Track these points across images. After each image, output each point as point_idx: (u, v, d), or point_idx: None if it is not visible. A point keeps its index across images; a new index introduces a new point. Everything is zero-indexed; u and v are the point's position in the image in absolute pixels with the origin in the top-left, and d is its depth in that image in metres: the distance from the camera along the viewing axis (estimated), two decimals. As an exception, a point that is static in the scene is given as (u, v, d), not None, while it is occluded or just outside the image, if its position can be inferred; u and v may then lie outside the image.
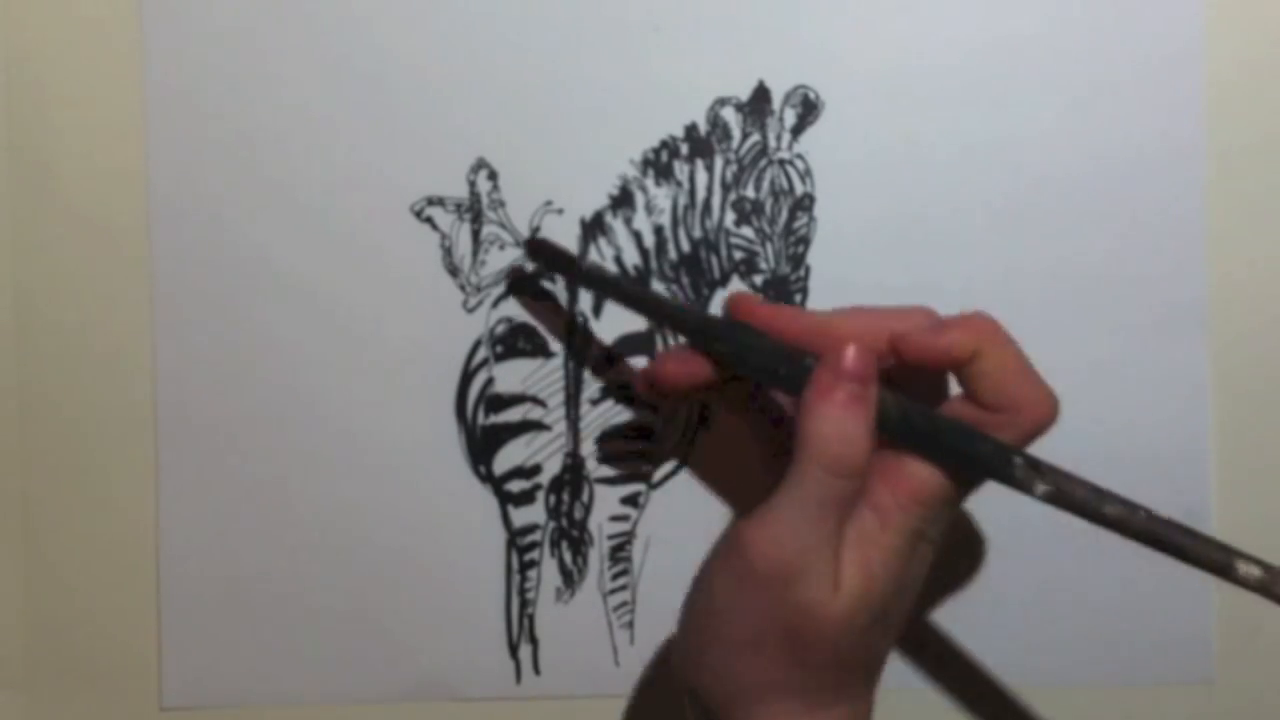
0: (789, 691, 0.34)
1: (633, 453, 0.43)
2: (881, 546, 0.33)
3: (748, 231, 0.42)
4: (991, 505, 0.42)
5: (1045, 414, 0.35)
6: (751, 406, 0.40)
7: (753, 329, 0.36)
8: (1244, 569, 0.32)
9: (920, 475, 0.34)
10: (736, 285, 0.42)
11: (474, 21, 0.42)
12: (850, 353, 0.33)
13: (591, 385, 0.42)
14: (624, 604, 0.42)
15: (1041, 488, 0.33)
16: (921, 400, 0.35)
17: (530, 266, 0.42)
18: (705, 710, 0.35)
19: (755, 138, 0.42)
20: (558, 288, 0.42)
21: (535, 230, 0.42)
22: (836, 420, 0.33)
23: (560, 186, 0.42)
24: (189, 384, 0.42)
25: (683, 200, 0.42)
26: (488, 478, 0.42)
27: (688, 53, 0.42)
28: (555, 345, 0.42)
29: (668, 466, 0.43)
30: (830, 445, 0.33)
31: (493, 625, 0.42)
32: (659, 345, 0.42)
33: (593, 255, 0.42)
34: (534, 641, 0.42)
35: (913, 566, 0.35)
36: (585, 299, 0.42)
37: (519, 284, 0.42)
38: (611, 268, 0.42)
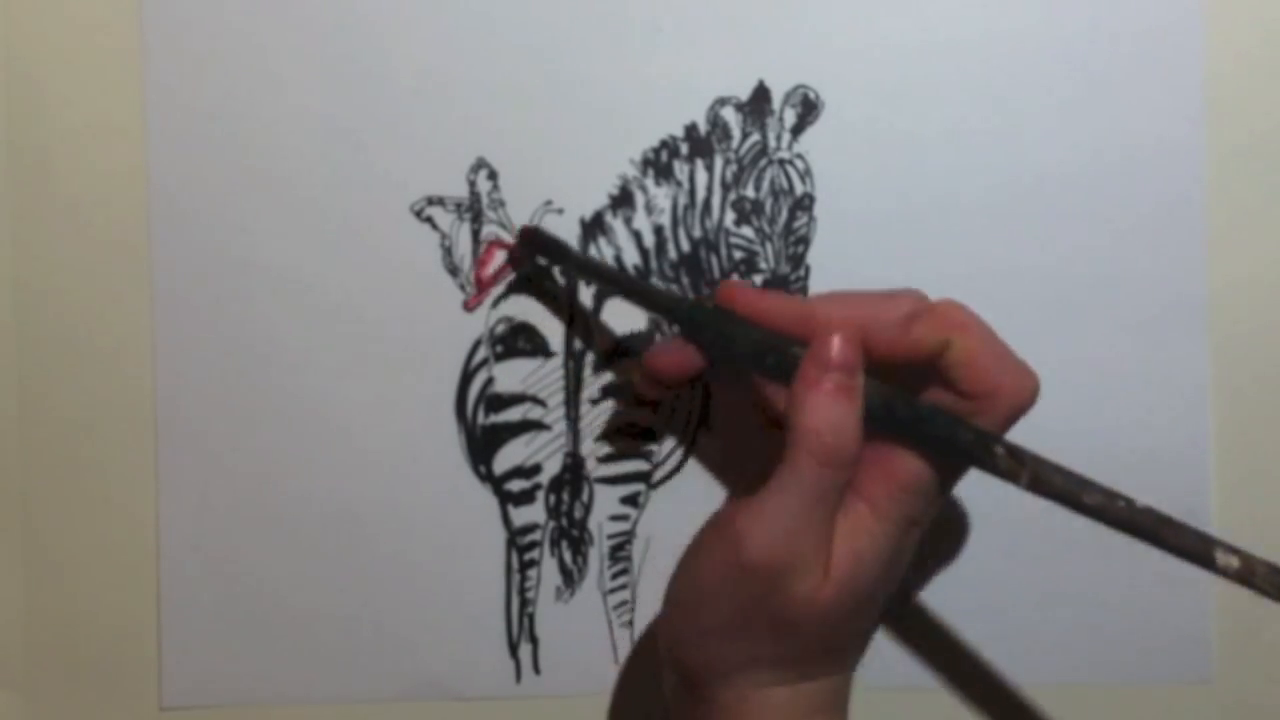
0: (772, 665, 0.34)
1: (633, 453, 0.43)
2: (872, 535, 0.34)
3: (748, 231, 0.42)
4: (992, 504, 0.42)
5: (1022, 398, 0.35)
6: (752, 393, 0.40)
7: (739, 317, 0.36)
8: (1223, 559, 0.32)
9: (909, 464, 0.34)
10: (736, 285, 0.42)
11: (474, 21, 0.42)
12: (836, 343, 0.34)
13: (591, 385, 0.42)
14: (624, 604, 0.42)
15: (1023, 475, 0.33)
16: (907, 386, 0.35)
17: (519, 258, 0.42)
18: (686, 681, 0.35)
19: (755, 138, 0.42)
20: (558, 287, 0.42)
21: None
22: (826, 411, 0.33)
23: (560, 186, 0.42)
24: (189, 384, 0.42)
25: (683, 200, 0.42)
26: (488, 478, 0.42)
27: (688, 53, 0.42)
28: (555, 345, 0.42)
29: (668, 466, 0.43)
30: (821, 437, 0.33)
31: (493, 625, 0.42)
32: (658, 342, 0.42)
33: (592, 254, 0.42)
34: (534, 641, 0.42)
35: (902, 552, 0.35)
36: (586, 298, 0.42)
37: (519, 283, 0.42)
38: (610, 265, 0.42)
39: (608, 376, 0.42)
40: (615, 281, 0.40)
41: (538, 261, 0.42)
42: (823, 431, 0.33)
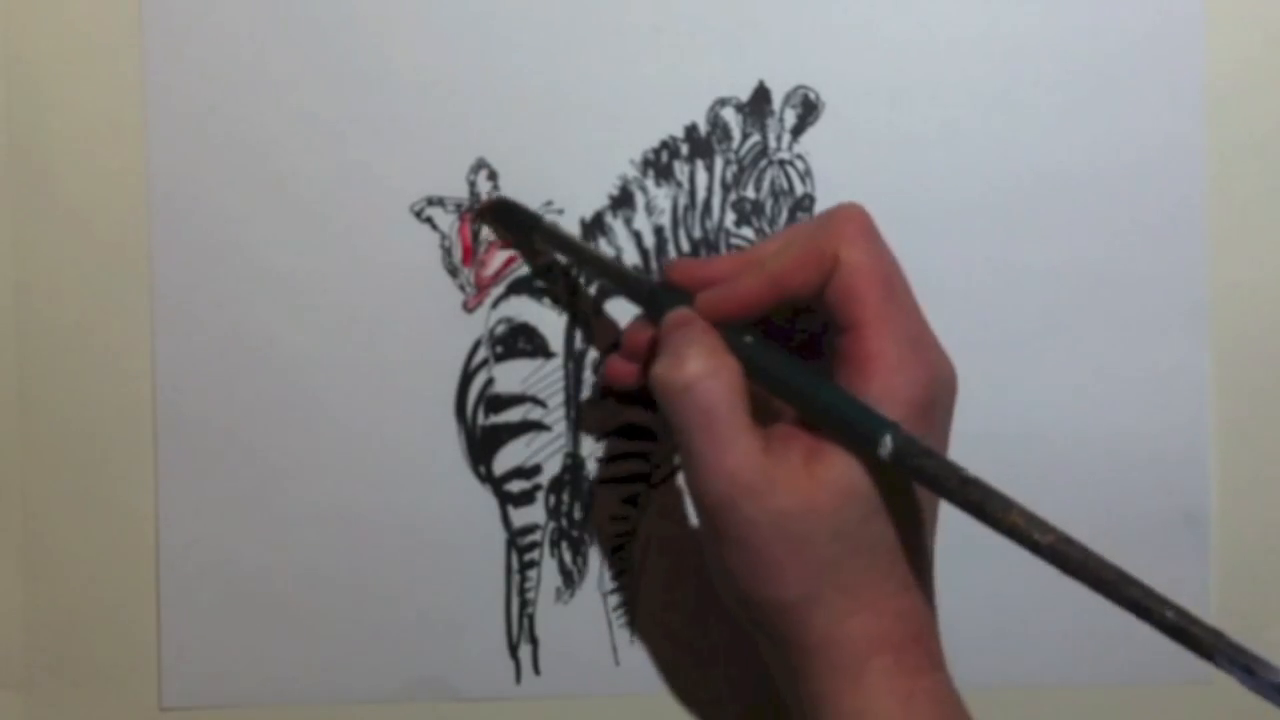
0: (834, 590, 0.33)
1: (633, 453, 0.43)
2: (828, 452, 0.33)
3: (748, 232, 0.42)
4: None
5: (923, 377, 0.33)
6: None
7: (686, 294, 0.36)
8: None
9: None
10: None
11: (474, 21, 0.42)
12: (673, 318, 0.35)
13: (591, 385, 0.42)
14: (624, 604, 0.42)
15: (911, 463, 0.32)
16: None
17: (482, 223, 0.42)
18: (776, 642, 0.34)
19: (755, 138, 0.42)
20: (558, 288, 0.42)
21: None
22: (657, 367, 0.34)
23: (560, 186, 0.42)
24: (189, 384, 0.42)
25: (683, 201, 0.42)
26: (488, 478, 0.42)
27: (688, 53, 0.42)
28: (555, 345, 0.42)
29: (668, 466, 0.43)
30: (658, 379, 0.34)
31: (493, 625, 0.42)
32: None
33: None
34: (534, 641, 0.42)
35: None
36: (586, 299, 0.42)
37: (519, 283, 0.42)
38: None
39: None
40: (581, 254, 0.40)
41: (508, 233, 0.42)
42: (656, 377, 0.34)
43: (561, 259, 0.42)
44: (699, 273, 0.37)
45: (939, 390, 0.34)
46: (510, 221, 0.42)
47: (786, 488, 0.32)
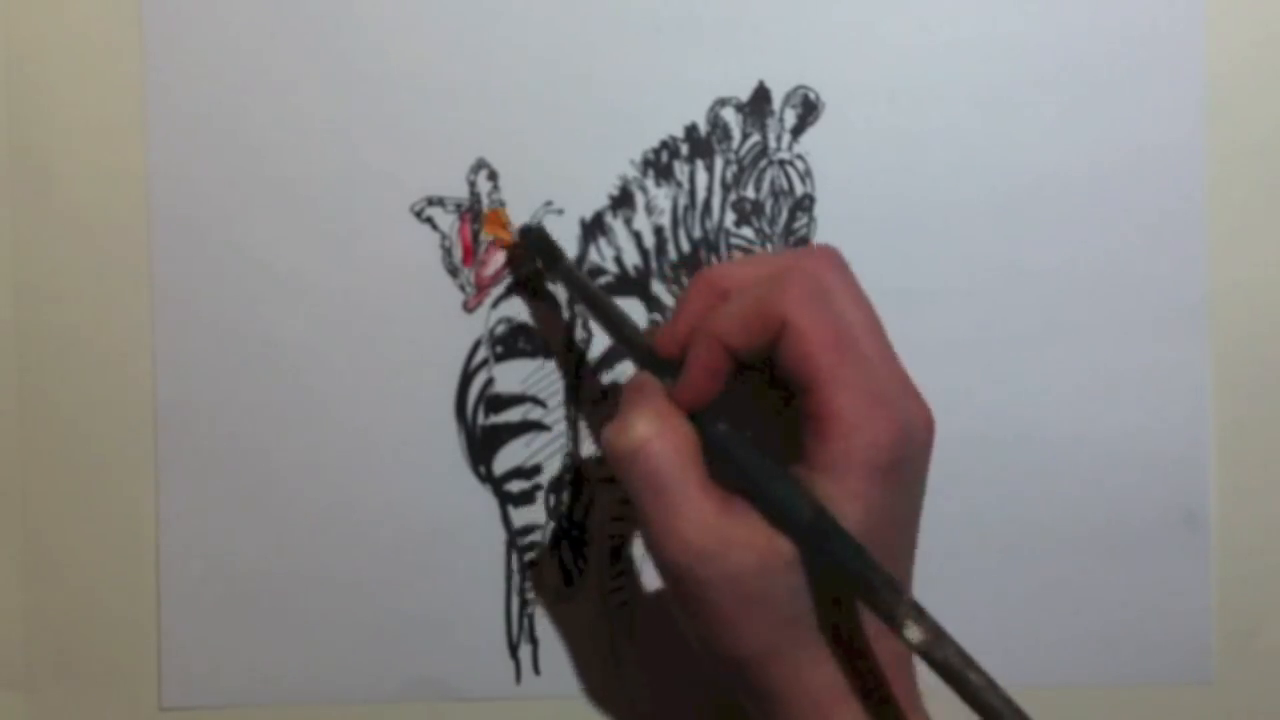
0: (794, 645, 0.33)
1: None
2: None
3: (748, 232, 0.42)
4: (992, 504, 0.42)
5: (883, 432, 0.32)
6: None
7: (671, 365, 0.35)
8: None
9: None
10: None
11: (474, 21, 0.42)
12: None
13: (591, 385, 0.42)
14: (624, 604, 0.42)
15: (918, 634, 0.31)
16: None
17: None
18: (723, 672, 0.34)
19: (755, 138, 0.42)
20: (558, 288, 0.42)
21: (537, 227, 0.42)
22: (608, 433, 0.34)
23: (560, 186, 0.42)
24: (189, 384, 0.42)
25: (683, 200, 0.42)
26: (488, 478, 0.42)
27: (688, 53, 0.42)
28: (555, 345, 0.42)
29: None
30: (605, 443, 0.34)
31: (493, 625, 0.42)
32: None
33: (593, 255, 0.42)
34: (534, 641, 0.42)
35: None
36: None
37: (519, 284, 0.42)
38: (611, 269, 0.42)
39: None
40: (593, 304, 0.38)
41: (534, 263, 0.42)
42: (606, 440, 0.34)
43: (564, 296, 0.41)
44: (684, 338, 0.35)
45: (906, 446, 0.32)
46: (539, 251, 0.41)
47: (742, 547, 0.32)
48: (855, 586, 0.31)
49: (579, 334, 0.42)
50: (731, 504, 0.33)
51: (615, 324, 0.37)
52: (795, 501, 0.32)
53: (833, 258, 0.34)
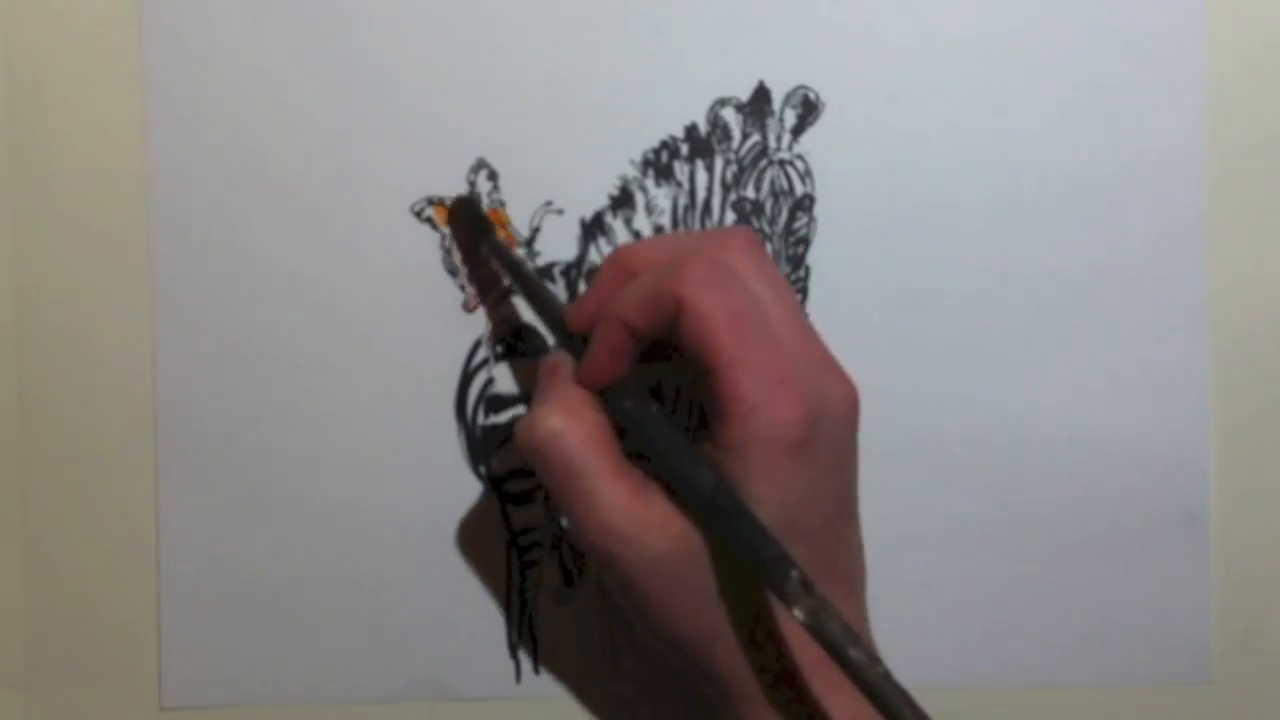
0: (728, 625, 0.33)
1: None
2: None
3: (748, 232, 0.42)
4: (992, 504, 0.42)
5: (785, 409, 0.32)
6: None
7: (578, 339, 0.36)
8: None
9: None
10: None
11: (474, 21, 0.42)
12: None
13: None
14: (624, 604, 0.42)
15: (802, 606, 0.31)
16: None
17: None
18: (669, 655, 0.35)
19: (755, 138, 0.42)
20: (558, 288, 0.42)
21: (536, 232, 0.42)
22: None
23: (560, 186, 0.42)
24: (189, 384, 0.42)
25: (683, 201, 0.42)
26: (488, 478, 0.42)
27: (688, 53, 0.42)
28: (555, 345, 0.42)
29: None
30: (517, 437, 0.34)
31: (493, 625, 0.42)
32: None
33: (593, 255, 0.42)
34: (534, 641, 0.42)
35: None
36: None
37: (519, 284, 0.42)
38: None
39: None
40: (519, 279, 0.39)
41: (465, 234, 0.42)
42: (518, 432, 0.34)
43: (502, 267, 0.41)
44: (592, 315, 0.35)
45: (814, 424, 0.32)
46: (468, 222, 0.41)
47: (659, 532, 0.32)
48: (749, 561, 0.31)
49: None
50: (646, 487, 0.33)
51: (539, 300, 0.38)
52: (694, 476, 0.32)
53: (742, 237, 0.35)
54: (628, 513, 0.33)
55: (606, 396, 0.34)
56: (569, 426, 0.33)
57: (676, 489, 0.33)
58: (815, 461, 0.33)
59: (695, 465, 0.32)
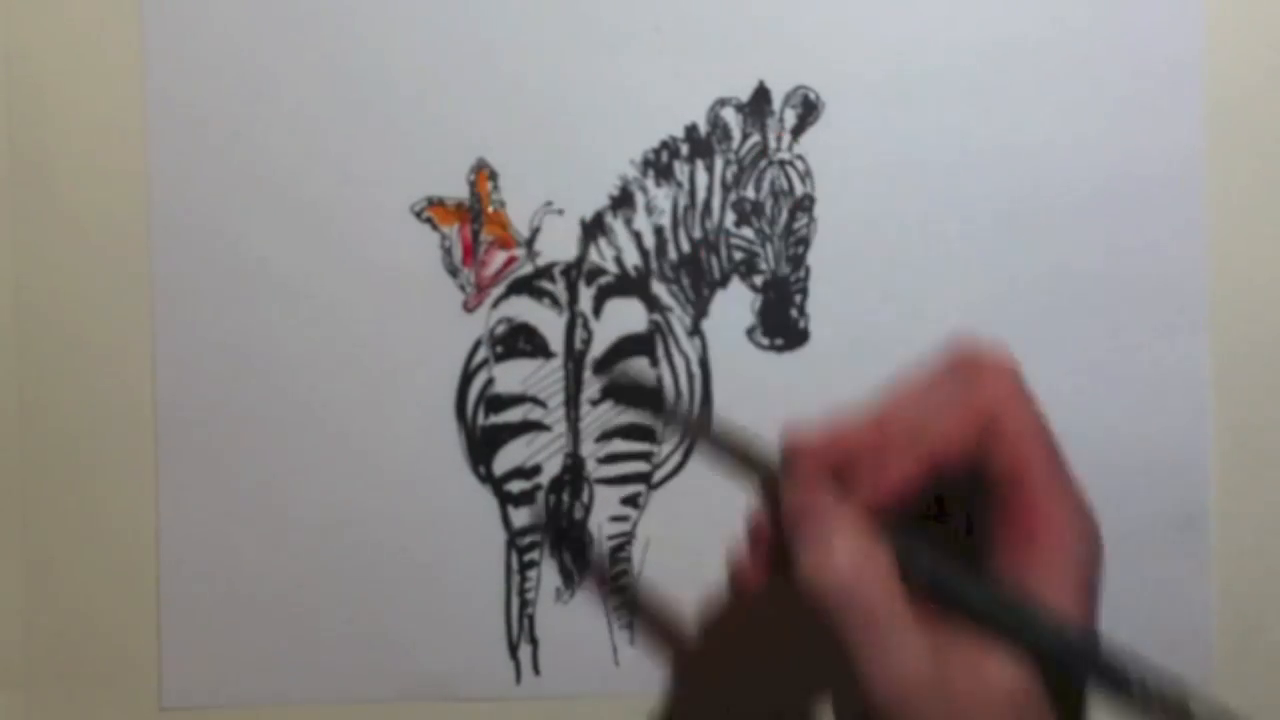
0: None
1: (633, 453, 0.43)
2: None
3: (748, 232, 0.42)
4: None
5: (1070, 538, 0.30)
6: None
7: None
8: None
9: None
10: (736, 285, 0.42)
11: (474, 22, 0.42)
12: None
13: (591, 385, 0.42)
14: (624, 604, 0.42)
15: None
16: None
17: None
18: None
19: (755, 138, 0.42)
20: (558, 288, 0.42)
21: (536, 232, 0.42)
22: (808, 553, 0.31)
23: (560, 186, 0.42)
24: (189, 384, 0.42)
25: (683, 201, 0.42)
26: (488, 478, 0.42)
27: (688, 53, 0.42)
28: (555, 345, 0.42)
29: (668, 467, 0.43)
30: (807, 581, 0.31)
31: (493, 625, 0.42)
32: (658, 346, 0.42)
33: (593, 255, 0.42)
34: (534, 641, 0.42)
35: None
36: (585, 299, 0.42)
37: (519, 284, 0.42)
38: (611, 269, 0.42)
39: (608, 377, 0.42)
40: (704, 434, 0.37)
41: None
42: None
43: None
44: (823, 456, 0.32)
45: (1100, 548, 0.31)
46: (629, 396, 0.40)
47: (959, 691, 0.30)
48: (1125, 695, 0.30)
49: (579, 333, 0.42)
50: (940, 643, 0.30)
51: (736, 448, 0.34)
52: (1035, 624, 0.30)
53: (1013, 361, 0.32)
54: (929, 669, 0.29)
55: (886, 531, 0.31)
56: (870, 567, 0.30)
57: (1007, 637, 0.30)
58: (1097, 587, 0.32)
59: (1031, 616, 0.30)
